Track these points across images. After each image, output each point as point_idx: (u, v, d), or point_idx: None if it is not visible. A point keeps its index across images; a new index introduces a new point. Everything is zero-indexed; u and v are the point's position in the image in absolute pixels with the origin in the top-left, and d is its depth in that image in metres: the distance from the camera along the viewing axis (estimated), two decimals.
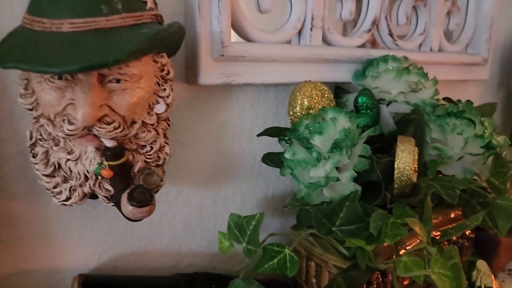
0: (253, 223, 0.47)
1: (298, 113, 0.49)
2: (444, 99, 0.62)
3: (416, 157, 0.44)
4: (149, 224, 0.49)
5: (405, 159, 0.42)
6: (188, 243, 0.52)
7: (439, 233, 0.51)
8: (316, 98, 0.50)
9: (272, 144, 0.55)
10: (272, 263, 0.44)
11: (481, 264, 0.64)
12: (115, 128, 0.34)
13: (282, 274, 0.43)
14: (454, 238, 0.56)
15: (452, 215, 0.55)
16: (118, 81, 0.34)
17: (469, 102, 0.60)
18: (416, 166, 0.43)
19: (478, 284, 0.62)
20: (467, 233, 0.58)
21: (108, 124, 0.34)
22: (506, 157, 0.46)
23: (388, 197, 0.44)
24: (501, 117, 0.94)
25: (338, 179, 0.43)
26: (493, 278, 0.64)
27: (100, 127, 0.34)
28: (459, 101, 0.62)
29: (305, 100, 0.49)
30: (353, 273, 0.44)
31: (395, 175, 0.43)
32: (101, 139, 0.35)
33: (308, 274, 0.51)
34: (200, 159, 0.51)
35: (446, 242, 0.55)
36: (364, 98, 0.50)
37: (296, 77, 0.51)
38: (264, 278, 0.58)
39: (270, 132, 0.48)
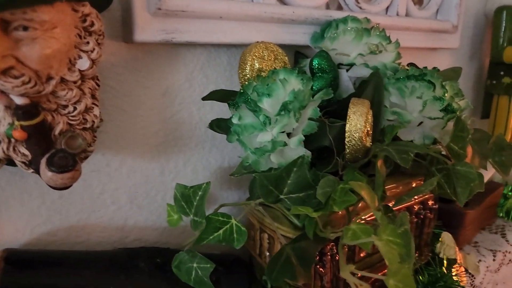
0: (200, 193, 0.45)
1: (248, 76, 0.46)
2: (409, 65, 0.59)
3: (370, 120, 0.41)
4: (88, 196, 0.46)
5: (356, 121, 0.40)
6: (134, 217, 0.49)
7: None
8: (268, 60, 0.47)
9: (226, 111, 0.52)
10: (218, 234, 0.41)
11: (446, 236, 0.63)
12: (24, 83, 0.31)
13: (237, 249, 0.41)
14: (415, 208, 0.54)
15: (414, 184, 0.53)
16: (25, 28, 0.30)
17: (434, 68, 0.58)
18: (369, 129, 0.41)
19: (441, 255, 0.61)
20: (429, 203, 0.56)
21: (16, 78, 0.30)
22: (466, 120, 0.44)
23: (340, 163, 0.42)
24: (473, 91, 0.92)
25: (285, 144, 0.40)
26: (457, 250, 0.63)
27: (5, 81, 0.30)
28: (425, 68, 0.60)
29: (255, 61, 0.46)
30: (303, 244, 0.41)
31: (346, 139, 0.40)
32: (10, 96, 0.31)
33: (262, 247, 0.49)
34: (145, 127, 0.48)
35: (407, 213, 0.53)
36: (319, 60, 0.47)
37: (247, 38, 0.48)
38: (221, 253, 0.56)
39: (217, 95, 0.45)
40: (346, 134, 0.40)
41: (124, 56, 0.44)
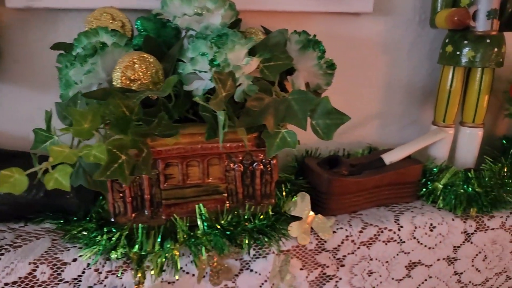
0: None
1: None
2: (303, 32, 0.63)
3: (137, 70, 0.52)
4: None
5: (115, 70, 0.51)
6: None
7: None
8: (105, 20, 0.61)
9: None
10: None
11: (300, 195, 0.67)
12: None
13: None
14: (240, 157, 0.61)
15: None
16: None
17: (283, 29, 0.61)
18: (131, 77, 0.52)
19: (288, 212, 0.66)
20: (261, 156, 0.62)
21: None
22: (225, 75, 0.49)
23: None
24: (431, 62, 0.83)
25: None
26: (309, 211, 0.66)
27: None
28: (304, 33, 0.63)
29: (93, 22, 0.61)
30: None
31: None
32: None
33: None
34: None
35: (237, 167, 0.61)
36: (142, 22, 0.59)
37: (97, 3, 0.62)
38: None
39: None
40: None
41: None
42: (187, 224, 0.59)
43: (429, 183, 0.75)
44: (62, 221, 0.65)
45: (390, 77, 0.84)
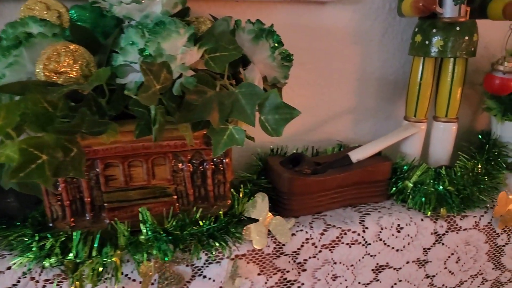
0: None
1: None
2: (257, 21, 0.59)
3: (62, 61, 0.48)
4: None
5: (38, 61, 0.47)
6: None
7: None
8: (40, 10, 0.56)
9: None
10: None
11: (259, 196, 0.63)
12: None
13: None
14: (188, 156, 0.57)
15: None
16: None
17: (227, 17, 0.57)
18: (56, 67, 0.47)
19: (246, 214, 0.62)
20: (209, 156, 0.58)
21: None
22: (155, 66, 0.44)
23: None
24: (402, 53, 0.79)
25: None
26: (267, 213, 0.62)
27: None
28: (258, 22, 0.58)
29: (27, 12, 0.56)
30: None
31: None
32: None
33: None
34: None
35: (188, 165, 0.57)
36: (76, 11, 0.54)
37: None
38: None
39: None
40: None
41: None
42: (129, 229, 0.55)
43: (399, 181, 0.71)
44: (4, 227, 0.61)
45: (361, 69, 0.80)
